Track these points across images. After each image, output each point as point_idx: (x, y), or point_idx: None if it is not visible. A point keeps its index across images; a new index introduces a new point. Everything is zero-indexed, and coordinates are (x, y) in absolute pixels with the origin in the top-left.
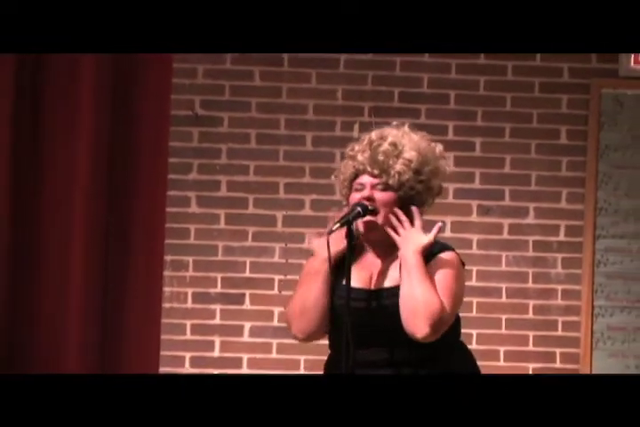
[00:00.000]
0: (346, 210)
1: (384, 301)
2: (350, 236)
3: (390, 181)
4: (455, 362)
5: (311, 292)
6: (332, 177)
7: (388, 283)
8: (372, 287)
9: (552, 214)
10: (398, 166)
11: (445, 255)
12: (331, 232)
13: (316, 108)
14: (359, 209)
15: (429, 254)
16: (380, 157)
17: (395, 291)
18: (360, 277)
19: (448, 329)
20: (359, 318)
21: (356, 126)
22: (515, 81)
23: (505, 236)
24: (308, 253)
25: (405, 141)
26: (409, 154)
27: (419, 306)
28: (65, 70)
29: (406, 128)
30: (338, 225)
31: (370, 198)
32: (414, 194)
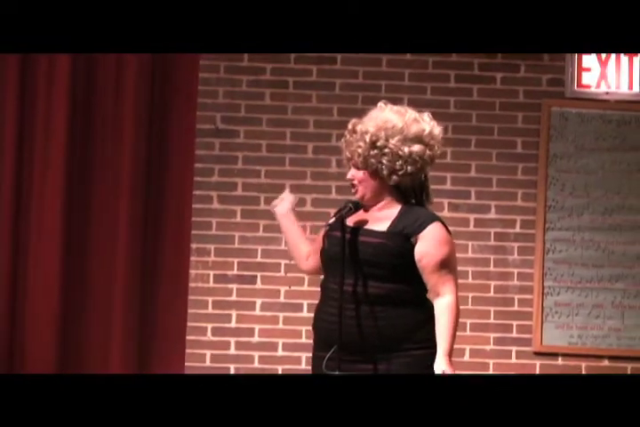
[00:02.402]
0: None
1: (362, 237)
2: (343, 227)
3: (359, 162)
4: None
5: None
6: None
7: (369, 226)
8: (356, 225)
9: (510, 211)
10: (359, 149)
11: (432, 228)
12: (329, 224)
13: (316, 123)
14: (350, 206)
15: (419, 226)
16: (347, 144)
17: (372, 232)
18: (350, 220)
19: (414, 286)
20: (340, 249)
21: None
22: (479, 101)
23: (471, 228)
24: None
25: (372, 123)
26: (367, 136)
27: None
28: (111, 82)
29: (382, 104)
30: (334, 219)
31: (351, 179)
32: (381, 166)
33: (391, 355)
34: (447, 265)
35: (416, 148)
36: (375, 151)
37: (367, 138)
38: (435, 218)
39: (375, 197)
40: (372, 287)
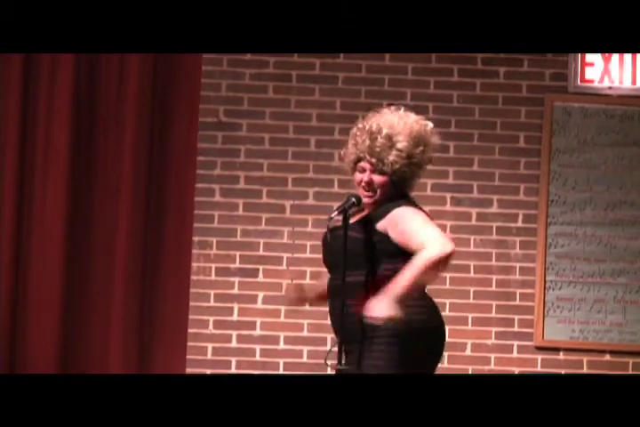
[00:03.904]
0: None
1: (356, 233)
2: (346, 221)
3: (385, 169)
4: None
5: None
6: (341, 152)
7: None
8: (354, 221)
9: (512, 205)
10: (392, 157)
11: (396, 212)
12: (331, 218)
13: (318, 117)
14: (353, 200)
15: (384, 213)
16: (377, 149)
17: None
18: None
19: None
20: (335, 242)
21: None
22: (482, 95)
23: (473, 222)
24: (311, 236)
25: (400, 128)
26: (401, 144)
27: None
28: (114, 75)
29: (402, 112)
30: (336, 212)
31: (369, 182)
32: (405, 175)
33: (371, 341)
34: (420, 227)
35: (427, 156)
36: (406, 161)
37: (404, 154)
38: (401, 204)
39: (387, 198)
40: (354, 276)
